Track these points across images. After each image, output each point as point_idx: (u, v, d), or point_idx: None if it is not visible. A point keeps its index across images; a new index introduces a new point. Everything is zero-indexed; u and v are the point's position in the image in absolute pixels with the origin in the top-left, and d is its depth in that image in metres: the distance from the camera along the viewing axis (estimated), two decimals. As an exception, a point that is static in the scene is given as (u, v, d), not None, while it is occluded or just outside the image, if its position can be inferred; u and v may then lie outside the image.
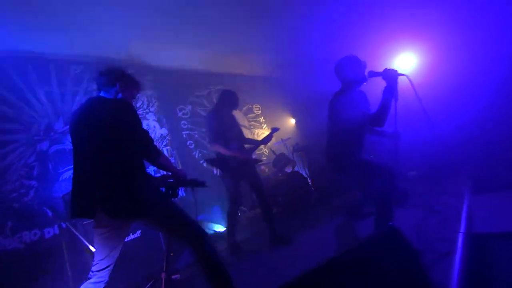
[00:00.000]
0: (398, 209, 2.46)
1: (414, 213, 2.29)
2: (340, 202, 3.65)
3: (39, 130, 3.19)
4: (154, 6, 3.22)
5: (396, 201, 2.43)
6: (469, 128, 3.35)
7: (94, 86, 1.62)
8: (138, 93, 1.71)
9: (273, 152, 4.71)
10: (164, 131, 4.45)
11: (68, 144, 3.31)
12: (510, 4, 3.37)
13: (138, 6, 3.13)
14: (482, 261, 1.43)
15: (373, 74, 1.85)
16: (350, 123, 1.89)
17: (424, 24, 3.92)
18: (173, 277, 1.75)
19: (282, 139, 5.22)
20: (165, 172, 1.67)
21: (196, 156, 4.72)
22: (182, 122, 4.81)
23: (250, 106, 6.18)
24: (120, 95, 1.58)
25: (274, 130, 3.05)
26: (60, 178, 3.15)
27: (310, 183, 4.42)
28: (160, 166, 1.55)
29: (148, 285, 1.65)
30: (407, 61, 4.38)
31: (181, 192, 4.15)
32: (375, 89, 1.97)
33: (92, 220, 1.45)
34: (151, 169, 3.47)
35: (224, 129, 2.68)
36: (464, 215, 1.96)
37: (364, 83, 2.01)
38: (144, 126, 4.54)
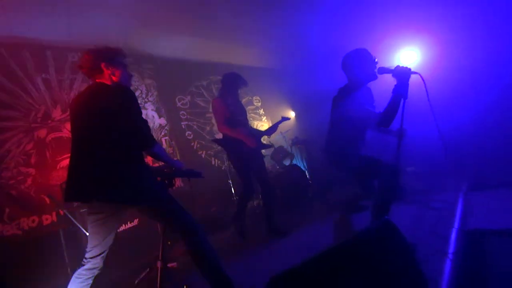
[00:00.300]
0: (394, 204, 2.48)
1: (410, 208, 2.31)
2: (338, 195, 3.67)
3: (37, 117, 3.17)
4: (154, -7, 3.15)
5: (396, 197, 2.43)
6: (470, 125, 3.33)
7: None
8: (128, 71, 1.61)
9: (272, 144, 4.71)
10: (162, 121, 4.42)
11: (66, 132, 3.29)
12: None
13: (137, -7, 3.06)
14: (475, 258, 1.45)
15: (384, 71, 1.73)
16: (353, 121, 1.82)
17: (427, 18, 3.86)
18: (169, 265, 1.77)
19: (281, 132, 5.21)
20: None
21: (195, 147, 4.72)
22: (181, 112, 4.78)
23: (250, 98, 6.14)
24: (113, 77, 1.53)
25: (283, 119, 2.95)
26: (58, 166, 3.15)
27: (308, 177, 4.44)
28: (156, 157, 1.55)
29: (144, 274, 1.67)
30: (409, 56, 4.31)
31: (180, 183, 4.16)
32: (383, 85, 1.90)
33: (87, 207, 1.46)
34: (149, 160, 3.46)
35: (233, 112, 2.62)
36: (459, 211, 1.97)
37: (373, 81, 1.90)
38: (143, 115, 4.49)
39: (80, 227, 2.11)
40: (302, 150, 5.03)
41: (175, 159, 4.23)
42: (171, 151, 4.36)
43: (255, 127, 5.80)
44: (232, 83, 2.71)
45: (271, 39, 4.95)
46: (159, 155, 1.55)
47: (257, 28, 4.51)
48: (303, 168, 4.51)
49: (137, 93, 4.20)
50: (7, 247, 2.38)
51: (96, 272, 1.44)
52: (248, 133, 2.65)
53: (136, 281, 1.66)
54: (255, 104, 6.24)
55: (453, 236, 1.57)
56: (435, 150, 3.30)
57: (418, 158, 3.50)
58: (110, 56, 1.53)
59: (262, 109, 6.33)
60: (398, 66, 1.66)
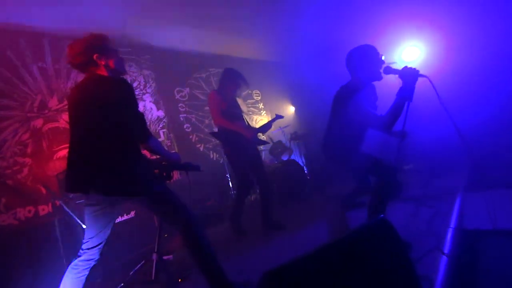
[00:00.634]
0: (391, 202, 2.48)
1: (406, 206, 2.31)
2: (335, 191, 3.68)
3: (33, 107, 3.13)
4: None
5: (393, 196, 2.42)
6: (474, 124, 3.27)
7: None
8: (119, 55, 1.55)
9: (271, 139, 4.70)
10: (161, 113, 4.39)
11: (62, 123, 3.26)
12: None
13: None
14: (470, 258, 1.45)
15: (390, 71, 1.66)
16: (354, 121, 1.76)
17: (432, 11, 3.76)
18: (165, 258, 1.78)
19: (280, 127, 5.18)
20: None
21: (193, 140, 4.70)
22: (180, 104, 4.74)
23: (249, 91, 6.09)
24: (109, 67, 1.49)
25: (277, 117, 2.92)
26: (55, 157, 3.13)
27: (306, 172, 4.44)
28: (152, 151, 1.53)
29: (138, 266, 1.67)
30: (412, 52, 4.21)
31: (179, 175, 4.15)
32: (388, 84, 1.84)
33: (84, 199, 1.46)
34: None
35: (229, 105, 2.59)
36: (456, 211, 1.98)
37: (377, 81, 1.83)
38: (141, 107, 4.44)
39: (76, 218, 2.10)
40: (301, 146, 5.02)
41: (173, 151, 4.22)
42: (169, 144, 4.34)
43: (254, 121, 5.77)
44: (232, 79, 2.67)
45: (272, 31, 4.88)
46: (155, 148, 1.53)
47: (258, 20, 4.44)
48: (301, 164, 4.50)
49: (135, 84, 4.15)
50: (4, 237, 2.39)
51: (92, 263, 1.44)
52: (244, 125, 2.62)
53: (131, 273, 1.67)
54: (255, 98, 6.20)
55: (449, 235, 1.57)
56: (434, 148, 3.30)
57: (418, 156, 3.49)
58: (100, 45, 1.47)
59: (261, 103, 6.29)
60: (406, 67, 1.58)
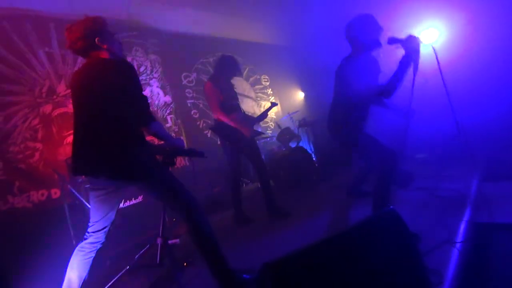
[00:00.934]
0: (401, 191, 2.41)
1: (417, 196, 2.23)
2: (344, 179, 3.62)
3: (42, 92, 3.16)
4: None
5: (397, 184, 2.35)
6: (493, 114, 3.08)
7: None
8: (116, 38, 1.53)
9: (279, 126, 4.62)
10: (168, 98, 4.36)
11: (71, 108, 3.27)
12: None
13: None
14: (482, 252, 1.39)
15: (393, 40, 1.64)
16: (355, 93, 1.72)
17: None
18: (170, 242, 1.79)
19: (289, 113, 5.08)
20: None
21: (201, 126, 4.68)
22: (187, 90, 4.70)
23: (258, 76, 5.96)
24: (110, 50, 1.46)
25: (273, 105, 2.92)
26: (64, 142, 3.18)
27: (314, 159, 4.38)
28: (154, 135, 1.51)
29: (143, 250, 1.70)
30: (430, 35, 3.95)
31: (186, 161, 4.18)
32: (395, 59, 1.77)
33: (89, 183, 1.47)
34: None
35: (227, 96, 2.57)
36: (470, 202, 1.89)
37: (378, 49, 1.79)
38: (148, 92, 4.39)
39: (84, 201, 2.15)
40: (309, 132, 4.92)
41: (181, 137, 4.22)
42: (177, 130, 4.34)
43: (262, 107, 5.68)
44: (227, 68, 2.63)
45: (281, 14, 4.68)
46: (158, 133, 1.51)
47: (267, 3, 4.26)
48: (309, 151, 4.43)
49: (141, 69, 4.11)
50: (19, 219, 2.49)
51: (98, 246, 1.48)
52: (242, 119, 2.62)
53: (136, 257, 1.70)
54: (263, 83, 6.07)
55: (461, 227, 1.51)
56: (449, 138, 3.15)
57: (431, 145, 3.36)
58: (100, 29, 1.45)
59: (270, 89, 6.16)
60: (410, 36, 1.56)
